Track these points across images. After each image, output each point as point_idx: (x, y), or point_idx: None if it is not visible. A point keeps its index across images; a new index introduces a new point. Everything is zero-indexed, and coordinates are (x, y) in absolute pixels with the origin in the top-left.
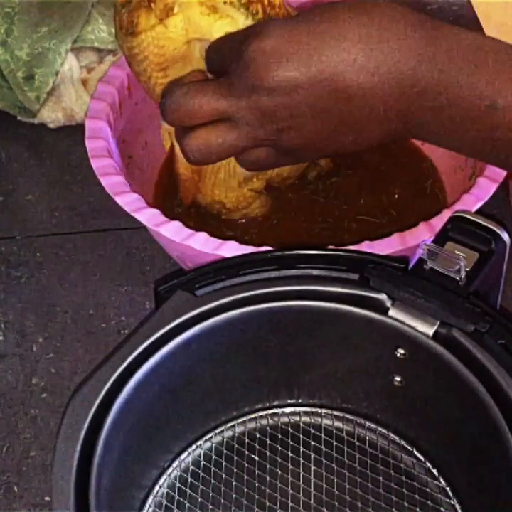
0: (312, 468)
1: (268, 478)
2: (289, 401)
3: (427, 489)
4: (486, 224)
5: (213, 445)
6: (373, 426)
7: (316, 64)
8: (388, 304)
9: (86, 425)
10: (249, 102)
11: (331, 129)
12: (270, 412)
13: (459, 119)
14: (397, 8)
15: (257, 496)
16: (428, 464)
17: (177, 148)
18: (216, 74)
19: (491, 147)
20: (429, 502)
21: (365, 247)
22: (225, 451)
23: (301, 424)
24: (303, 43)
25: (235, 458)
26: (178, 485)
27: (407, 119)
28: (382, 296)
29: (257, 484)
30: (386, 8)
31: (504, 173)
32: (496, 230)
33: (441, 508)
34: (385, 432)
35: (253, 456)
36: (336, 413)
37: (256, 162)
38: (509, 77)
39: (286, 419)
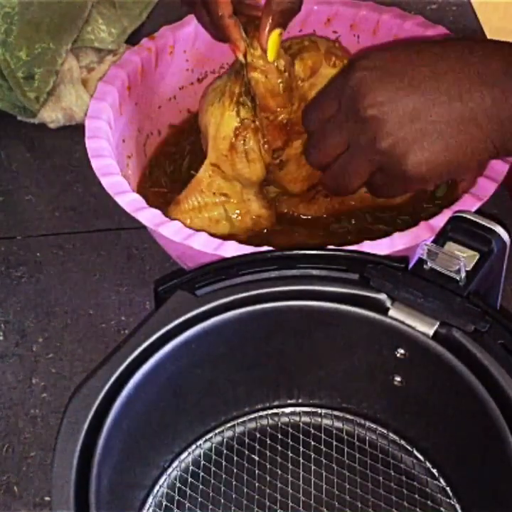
0: (312, 468)
1: (268, 478)
2: (289, 401)
3: (427, 489)
4: (486, 224)
5: (213, 445)
6: (373, 426)
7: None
8: (388, 303)
9: (86, 425)
10: (356, 125)
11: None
12: (270, 412)
13: None
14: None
15: (257, 496)
16: (428, 464)
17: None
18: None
19: None
20: (429, 502)
21: (365, 247)
22: (225, 451)
23: (301, 424)
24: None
25: (235, 458)
26: (178, 485)
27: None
28: (382, 296)
29: (257, 484)
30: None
31: (504, 173)
32: (496, 230)
33: (441, 508)
34: (385, 432)
35: (253, 456)
36: (336, 413)
37: (379, 187)
38: None
39: (286, 419)
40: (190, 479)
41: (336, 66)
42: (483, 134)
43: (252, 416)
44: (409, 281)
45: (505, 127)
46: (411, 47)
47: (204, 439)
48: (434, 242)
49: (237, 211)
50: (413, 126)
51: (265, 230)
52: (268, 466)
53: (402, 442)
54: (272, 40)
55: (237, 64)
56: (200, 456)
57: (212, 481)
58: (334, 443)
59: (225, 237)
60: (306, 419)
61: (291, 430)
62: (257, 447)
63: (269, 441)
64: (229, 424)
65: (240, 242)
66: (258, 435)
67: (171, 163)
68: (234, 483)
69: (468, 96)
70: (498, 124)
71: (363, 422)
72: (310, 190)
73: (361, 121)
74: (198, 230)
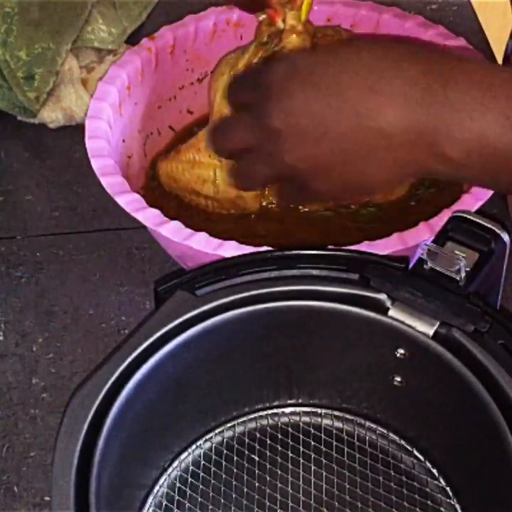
0: (312, 468)
1: (268, 478)
2: (289, 401)
3: (427, 489)
4: (486, 224)
5: (213, 445)
6: (373, 426)
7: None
8: (388, 303)
9: (86, 425)
10: (261, 131)
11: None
12: (270, 412)
13: (477, 149)
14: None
15: (257, 496)
16: (428, 464)
17: None
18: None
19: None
20: (429, 502)
21: (365, 247)
22: (225, 451)
23: (301, 424)
24: (325, 76)
25: (235, 458)
26: (178, 485)
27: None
28: (382, 296)
29: (257, 484)
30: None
31: None
32: (496, 230)
33: (441, 508)
34: (385, 432)
35: (253, 456)
36: (336, 413)
37: (285, 195)
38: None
39: (286, 419)
40: (190, 479)
41: None
42: (393, 156)
43: (252, 416)
44: (409, 281)
45: (423, 151)
46: (345, 53)
47: (204, 439)
48: (434, 242)
49: (225, 179)
50: (320, 144)
51: (252, 216)
52: (268, 466)
53: (402, 442)
54: (306, 2)
55: (262, 36)
56: (200, 456)
57: (212, 481)
58: (334, 443)
59: (209, 201)
60: (306, 419)
61: (291, 430)
62: (257, 447)
63: (269, 441)
64: (229, 424)
65: (240, 241)
66: (258, 435)
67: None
68: (234, 483)
69: (383, 115)
70: (415, 147)
71: (363, 422)
72: None
73: (267, 130)
74: (184, 185)
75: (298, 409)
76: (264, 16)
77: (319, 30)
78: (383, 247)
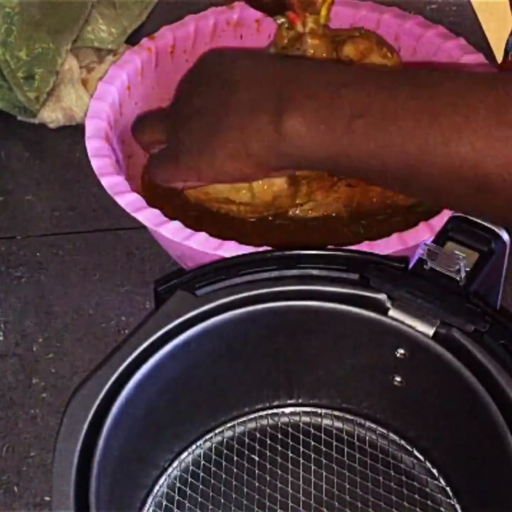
0: (312, 468)
1: (268, 478)
2: (289, 401)
3: (427, 489)
4: (486, 224)
5: (213, 445)
6: (373, 426)
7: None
8: (388, 304)
9: (86, 425)
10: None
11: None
12: (270, 412)
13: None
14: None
15: (257, 496)
16: (428, 464)
17: None
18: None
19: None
20: (429, 502)
21: (365, 247)
22: (225, 451)
23: (301, 424)
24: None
25: (235, 458)
26: (178, 485)
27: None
28: (382, 296)
29: (257, 484)
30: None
31: None
32: (496, 230)
33: (441, 508)
34: (385, 432)
35: (253, 456)
36: (336, 413)
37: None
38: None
39: (286, 419)
40: (190, 479)
41: (386, 57)
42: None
43: (252, 416)
44: (409, 281)
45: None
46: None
47: (204, 439)
48: (434, 242)
49: (260, 182)
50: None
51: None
52: (268, 466)
53: (402, 442)
54: (326, 6)
55: (282, 40)
56: (200, 456)
57: (212, 481)
58: (334, 443)
59: (242, 207)
60: (306, 419)
61: (291, 430)
62: (257, 447)
63: (269, 441)
64: (229, 424)
65: (242, 242)
66: (258, 435)
67: None
68: (234, 483)
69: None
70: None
71: (363, 422)
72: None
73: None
74: (215, 196)
75: (298, 409)
76: (283, 20)
77: (343, 33)
78: (383, 247)
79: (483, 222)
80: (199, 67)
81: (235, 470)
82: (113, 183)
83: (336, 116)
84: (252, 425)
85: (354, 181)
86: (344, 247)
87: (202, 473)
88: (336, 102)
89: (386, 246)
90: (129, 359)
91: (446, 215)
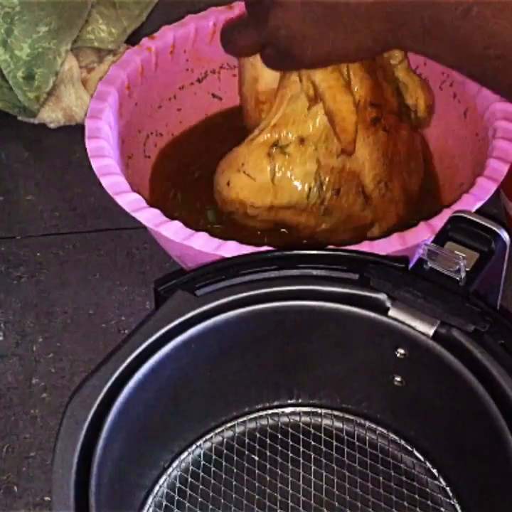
0: (312, 468)
1: (268, 478)
2: (289, 401)
3: (427, 489)
4: (485, 224)
5: (213, 445)
6: (373, 426)
7: None
8: (388, 303)
9: (86, 425)
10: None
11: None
12: (270, 412)
13: (434, 23)
14: None
15: (257, 496)
16: (428, 464)
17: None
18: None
19: (473, 65)
20: (429, 502)
21: (365, 247)
22: (225, 451)
23: (301, 424)
24: None
25: (235, 458)
26: (178, 485)
27: (389, 17)
28: (382, 296)
29: (257, 484)
30: None
31: (504, 173)
32: (496, 230)
33: (441, 508)
34: (385, 432)
35: (253, 456)
36: (336, 413)
37: (269, 59)
38: None
39: (286, 419)
40: (190, 479)
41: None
42: (369, 26)
43: (252, 416)
44: (409, 281)
45: (394, 19)
46: None
47: (204, 439)
48: (434, 242)
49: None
50: (295, 14)
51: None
52: (268, 466)
53: (402, 442)
54: None
55: None
56: (200, 456)
57: (212, 481)
58: (334, 443)
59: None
60: (306, 419)
61: (291, 430)
62: (257, 447)
63: (269, 441)
64: (229, 424)
65: (241, 242)
66: (258, 435)
67: (171, 163)
68: (234, 483)
69: None
70: (377, 18)
71: (363, 422)
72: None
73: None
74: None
75: (298, 409)
76: None
77: None
78: (383, 247)
79: (483, 222)
80: None
81: (234, 470)
82: (113, 183)
83: None
84: (252, 425)
85: (389, 126)
86: (344, 247)
87: (202, 473)
88: None
89: (386, 246)
90: (129, 359)
91: (446, 215)
